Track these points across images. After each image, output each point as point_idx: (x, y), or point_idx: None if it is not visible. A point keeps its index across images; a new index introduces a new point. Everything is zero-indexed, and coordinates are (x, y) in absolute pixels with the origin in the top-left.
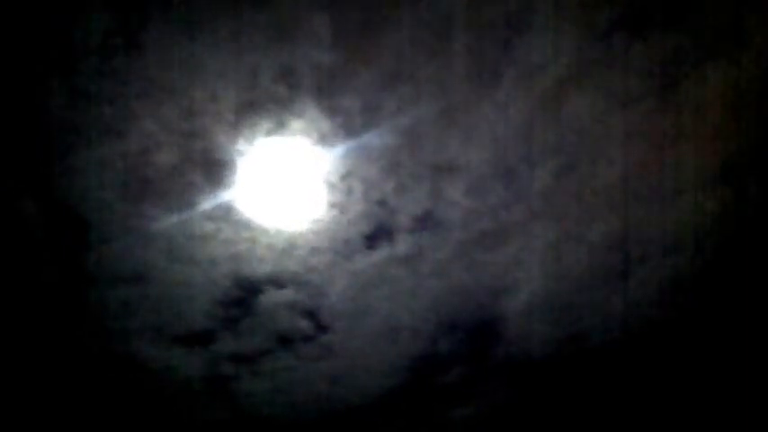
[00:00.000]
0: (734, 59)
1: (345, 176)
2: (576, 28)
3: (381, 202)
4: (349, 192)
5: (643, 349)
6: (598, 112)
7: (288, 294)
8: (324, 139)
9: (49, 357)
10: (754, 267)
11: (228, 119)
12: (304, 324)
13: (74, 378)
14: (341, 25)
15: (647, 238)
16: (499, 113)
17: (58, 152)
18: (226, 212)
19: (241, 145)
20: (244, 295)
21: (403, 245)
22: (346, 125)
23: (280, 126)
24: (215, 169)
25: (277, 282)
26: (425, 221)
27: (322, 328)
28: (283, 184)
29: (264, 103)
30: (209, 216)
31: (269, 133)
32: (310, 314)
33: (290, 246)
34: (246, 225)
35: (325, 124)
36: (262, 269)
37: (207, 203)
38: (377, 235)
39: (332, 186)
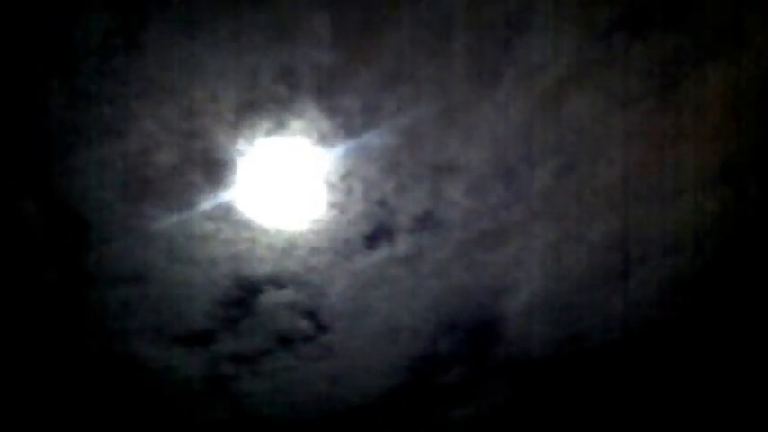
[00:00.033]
0: (734, 59)
1: (345, 176)
2: (576, 28)
3: (381, 202)
4: (349, 192)
5: (643, 349)
6: (598, 112)
7: (288, 294)
8: (324, 139)
9: (49, 357)
10: (754, 267)
11: (228, 119)
12: (304, 324)
13: (74, 378)
14: (341, 25)
15: (647, 238)
16: (499, 113)
17: (58, 152)
18: (226, 212)
19: (241, 145)
20: (244, 295)
21: (403, 245)
22: (346, 125)
23: (280, 126)
24: (215, 169)
25: (277, 282)
26: (425, 221)
27: (322, 328)
28: (283, 184)
29: (264, 103)
30: (209, 216)
31: (269, 133)
32: (310, 314)
33: (290, 246)
34: (246, 225)
35: (325, 124)
36: (262, 269)
37: (207, 203)
38: (377, 235)
39: (332, 186)
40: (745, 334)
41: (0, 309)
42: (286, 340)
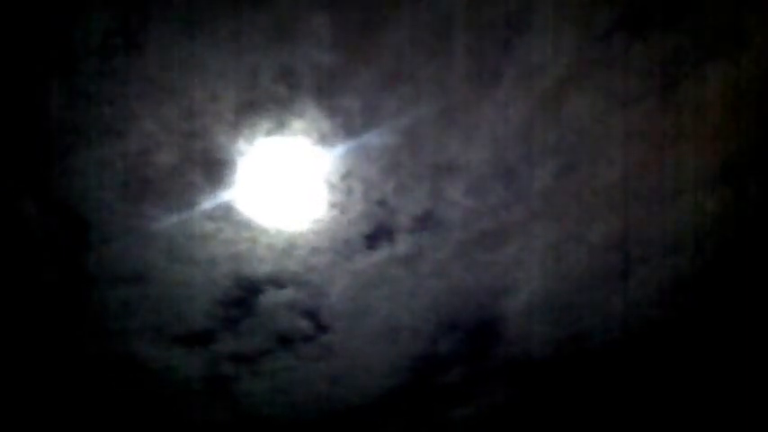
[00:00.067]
0: (734, 59)
1: (345, 176)
2: (576, 28)
3: (381, 202)
4: (349, 192)
5: (643, 349)
6: (598, 112)
7: (288, 294)
8: (324, 139)
9: (49, 357)
10: (754, 267)
11: (228, 119)
12: (304, 324)
13: (74, 378)
14: (341, 25)
15: (647, 238)
16: (499, 113)
17: (58, 152)
18: (226, 212)
19: (241, 145)
20: (244, 295)
21: (403, 245)
22: (346, 125)
23: (280, 126)
24: (215, 169)
25: (277, 282)
26: (425, 221)
27: (322, 328)
28: (283, 184)
29: (264, 103)
30: (209, 216)
31: (269, 133)
32: (310, 314)
33: (291, 246)
34: (246, 225)
35: (325, 124)
36: (262, 269)
37: (207, 203)
38: (377, 235)
39: (332, 186)
40: (745, 334)
41: (0, 309)
42: (286, 340)
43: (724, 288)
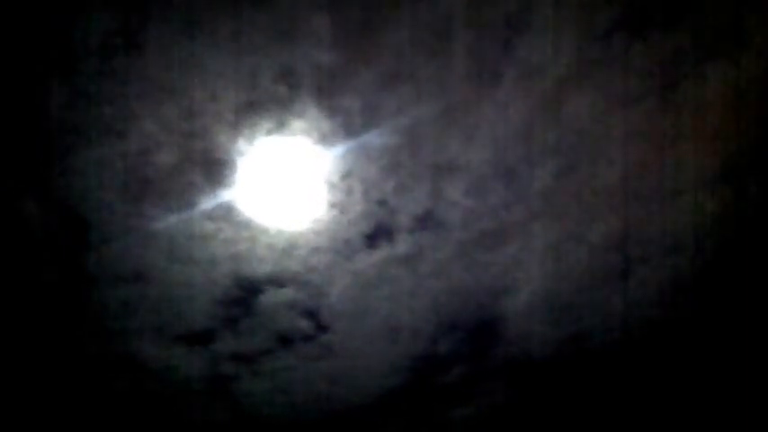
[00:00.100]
0: (734, 59)
1: (345, 176)
2: (576, 28)
3: (381, 202)
4: (349, 192)
5: (643, 349)
6: (598, 112)
7: (288, 294)
8: (324, 139)
9: (49, 357)
10: (754, 267)
11: (228, 119)
12: (304, 324)
13: (74, 378)
14: (341, 25)
15: (647, 238)
16: (499, 113)
17: (58, 152)
18: (226, 212)
19: (241, 145)
20: (244, 295)
21: (403, 245)
22: (346, 125)
23: (280, 126)
24: (215, 169)
25: (277, 282)
26: (425, 221)
27: (322, 328)
28: (283, 184)
29: (264, 103)
30: (209, 216)
31: (269, 133)
32: (310, 314)
33: (291, 246)
34: (246, 225)
35: (325, 124)
36: (262, 269)
37: (207, 203)
38: (377, 235)
39: (332, 186)
40: (744, 334)
41: (1, 309)
42: (286, 340)
43: (724, 288)
